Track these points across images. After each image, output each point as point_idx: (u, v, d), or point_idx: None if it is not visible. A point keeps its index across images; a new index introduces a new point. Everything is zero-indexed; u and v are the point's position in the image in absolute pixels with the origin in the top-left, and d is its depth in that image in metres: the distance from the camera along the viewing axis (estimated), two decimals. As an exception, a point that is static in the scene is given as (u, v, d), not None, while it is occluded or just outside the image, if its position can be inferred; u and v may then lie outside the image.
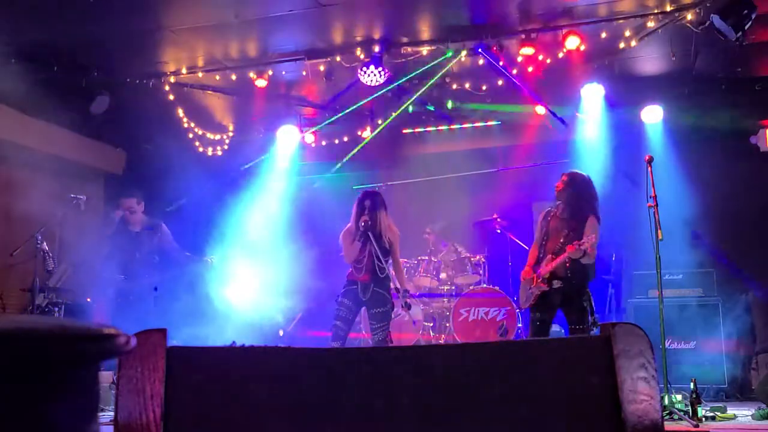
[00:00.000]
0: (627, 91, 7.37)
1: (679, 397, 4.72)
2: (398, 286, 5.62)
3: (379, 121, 8.13)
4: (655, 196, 4.83)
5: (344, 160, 7.93)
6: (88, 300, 6.79)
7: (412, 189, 8.53)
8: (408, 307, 5.63)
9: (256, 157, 8.35)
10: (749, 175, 7.14)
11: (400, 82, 6.95)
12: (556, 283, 5.14)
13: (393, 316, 5.74)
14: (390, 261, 5.71)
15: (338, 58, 6.69)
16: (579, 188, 5.23)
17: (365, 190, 5.95)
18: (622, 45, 6.32)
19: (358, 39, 6.47)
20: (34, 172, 7.38)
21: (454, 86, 7.29)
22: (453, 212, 8.07)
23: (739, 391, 6.26)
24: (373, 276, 5.55)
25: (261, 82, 7.06)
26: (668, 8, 5.89)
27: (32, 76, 6.37)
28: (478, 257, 7.57)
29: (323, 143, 8.53)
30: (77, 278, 6.85)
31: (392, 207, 8.37)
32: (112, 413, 2.01)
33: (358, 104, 7.43)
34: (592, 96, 7.26)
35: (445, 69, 6.65)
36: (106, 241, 6.44)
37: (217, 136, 8.35)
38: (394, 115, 7.55)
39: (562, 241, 5.17)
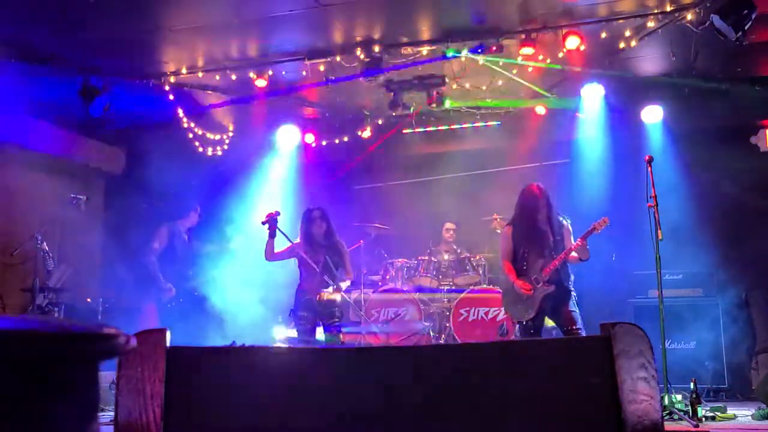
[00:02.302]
0: (627, 91, 7.37)
1: (679, 397, 4.71)
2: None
3: (379, 121, 8.13)
4: (655, 196, 4.84)
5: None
6: (88, 300, 6.81)
7: (413, 189, 8.53)
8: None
9: (256, 157, 8.35)
10: (749, 175, 7.14)
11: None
12: (551, 287, 5.17)
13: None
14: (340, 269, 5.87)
15: (338, 58, 6.69)
16: (547, 200, 5.36)
17: (315, 206, 6.06)
18: (622, 45, 6.32)
19: (358, 39, 6.47)
20: (34, 172, 7.38)
21: (454, 86, 7.28)
22: (453, 212, 8.07)
23: (739, 391, 6.26)
24: (325, 285, 5.71)
25: (261, 82, 7.06)
26: (668, 8, 5.88)
27: (32, 76, 6.37)
28: (478, 257, 7.57)
29: (323, 143, 8.53)
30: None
31: (392, 207, 8.43)
32: (112, 413, 2.01)
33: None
34: (592, 96, 7.27)
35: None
36: (169, 247, 6.84)
37: (217, 136, 8.35)
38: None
39: (551, 245, 5.24)
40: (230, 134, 8.44)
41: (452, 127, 8.39)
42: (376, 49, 6.49)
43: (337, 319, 5.79)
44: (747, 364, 6.09)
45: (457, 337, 6.98)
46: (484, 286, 7.31)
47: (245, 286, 7.38)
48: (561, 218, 5.41)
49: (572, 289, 5.27)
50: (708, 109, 7.27)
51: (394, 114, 7.88)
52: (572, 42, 6.16)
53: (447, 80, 7.10)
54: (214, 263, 7.18)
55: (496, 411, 2.03)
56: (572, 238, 5.29)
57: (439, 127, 8.45)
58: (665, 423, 2.71)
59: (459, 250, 7.66)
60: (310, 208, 6.03)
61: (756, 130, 7.51)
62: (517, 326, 5.47)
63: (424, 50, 6.57)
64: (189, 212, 7.12)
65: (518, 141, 8.29)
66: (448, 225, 7.95)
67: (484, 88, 7.22)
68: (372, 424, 2.03)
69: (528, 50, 6.29)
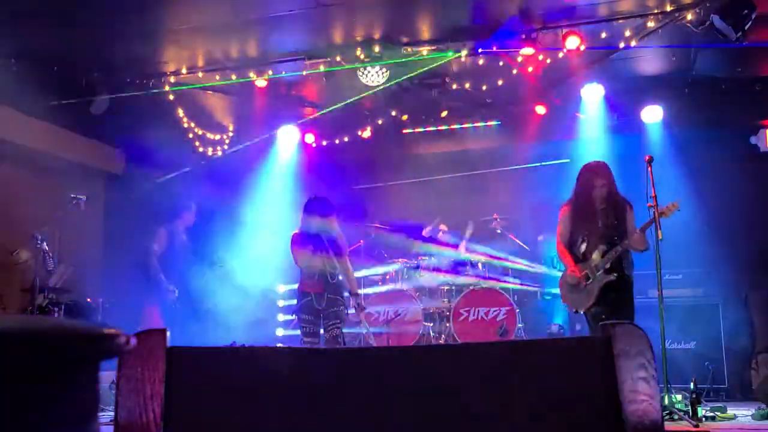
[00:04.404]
0: (627, 91, 7.37)
1: (679, 397, 4.71)
2: (351, 291, 5.81)
3: (379, 121, 8.13)
4: (655, 196, 4.82)
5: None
6: (89, 300, 6.81)
7: (412, 189, 8.53)
8: (362, 308, 5.87)
9: (256, 157, 8.35)
10: (749, 175, 7.14)
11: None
12: (612, 276, 5.00)
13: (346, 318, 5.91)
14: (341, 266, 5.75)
15: (338, 58, 6.69)
16: (607, 178, 5.15)
17: (315, 195, 5.93)
18: (622, 45, 6.32)
19: (358, 39, 6.47)
20: (34, 172, 7.38)
21: (454, 86, 7.28)
22: (453, 212, 8.07)
23: (739, 391, 6.26)
24: (325, 284, 5.62)
25: (261, 82, 7.06)
26: (668, 8, 5.89)
27: (32, 76, 6.37)
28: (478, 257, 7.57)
29: (323, 143, 8.53)
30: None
31: (392, 207, 8.44)
32: (112, 413, 2.01)
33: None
34: (592, 96, 7.27)
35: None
36: (169, 249, 6.91)
37: (217, 136, 8.35)
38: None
39: (611, 231, 5.03)
40: (230, 134, 8.45)
41: (452, 127, 8.39)
42: (376, 49, 6.49)
43: (338, 321, 5.77)
44: (747, 364, 6.09)
45: (457, 337, 6.98)
46: (484, 286, 7.31)
47: (246, 286, 7.39)
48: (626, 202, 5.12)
49: (632, 278, 5.04)
50: (708, 109, 7.28)
51: (393, 114, 7.88)
52: (572, 42, 6.16)
53: (447, 80, 7.10)
54: (215, 263, 7.18)
55: (495, 411, 2.03)
56: (635, 222, 5.05)
57: (439, 127, 8.46)
58: (665, 423, 2.71)
59: (459, 250, 7.66)
60: (310, 197, 5.92)
61: (756, 130, 7.52)
62: (579, 315, 5.28)
63: (424, 50, 6.57)
64: (183, 212, 7.16)
65: (518, 141, 8.29)
66: (441, 227, 7.95)
67: (484, 88, 7.22)
68: (373, 423, 2.03)
69: (528, 50, 6.29)
